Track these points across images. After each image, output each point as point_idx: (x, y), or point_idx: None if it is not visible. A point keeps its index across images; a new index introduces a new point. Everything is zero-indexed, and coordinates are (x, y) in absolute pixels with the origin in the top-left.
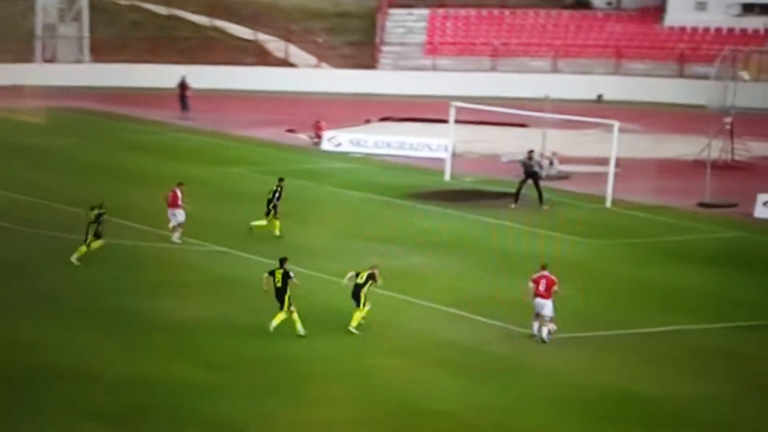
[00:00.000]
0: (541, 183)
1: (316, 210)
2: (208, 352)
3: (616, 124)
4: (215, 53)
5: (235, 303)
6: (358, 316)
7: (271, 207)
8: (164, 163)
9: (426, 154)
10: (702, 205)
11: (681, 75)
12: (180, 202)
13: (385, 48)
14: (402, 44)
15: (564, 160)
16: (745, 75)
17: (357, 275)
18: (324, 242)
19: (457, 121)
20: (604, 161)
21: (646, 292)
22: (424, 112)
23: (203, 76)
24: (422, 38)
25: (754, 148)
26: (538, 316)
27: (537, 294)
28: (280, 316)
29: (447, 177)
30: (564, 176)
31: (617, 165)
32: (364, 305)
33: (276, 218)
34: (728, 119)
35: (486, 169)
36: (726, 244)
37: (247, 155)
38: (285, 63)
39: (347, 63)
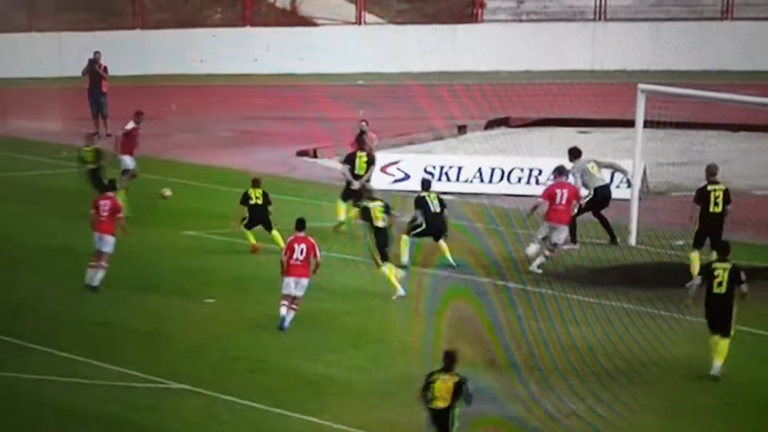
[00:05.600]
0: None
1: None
2: None
3: None
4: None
5: None
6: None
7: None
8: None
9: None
10: None
11: None
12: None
13: None
14: None
15: None
16: None
17: None
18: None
19: (648, 123)
20: None
21: None
22: (577, 105)
23: (116, 51)
24: None
25: None
26: None
27: None
28: None
29: (632, 240)
30: None
31: None
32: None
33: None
34: None
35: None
36: None
37: (212, 206)
38: (292, 19)
39: (417, 15)
